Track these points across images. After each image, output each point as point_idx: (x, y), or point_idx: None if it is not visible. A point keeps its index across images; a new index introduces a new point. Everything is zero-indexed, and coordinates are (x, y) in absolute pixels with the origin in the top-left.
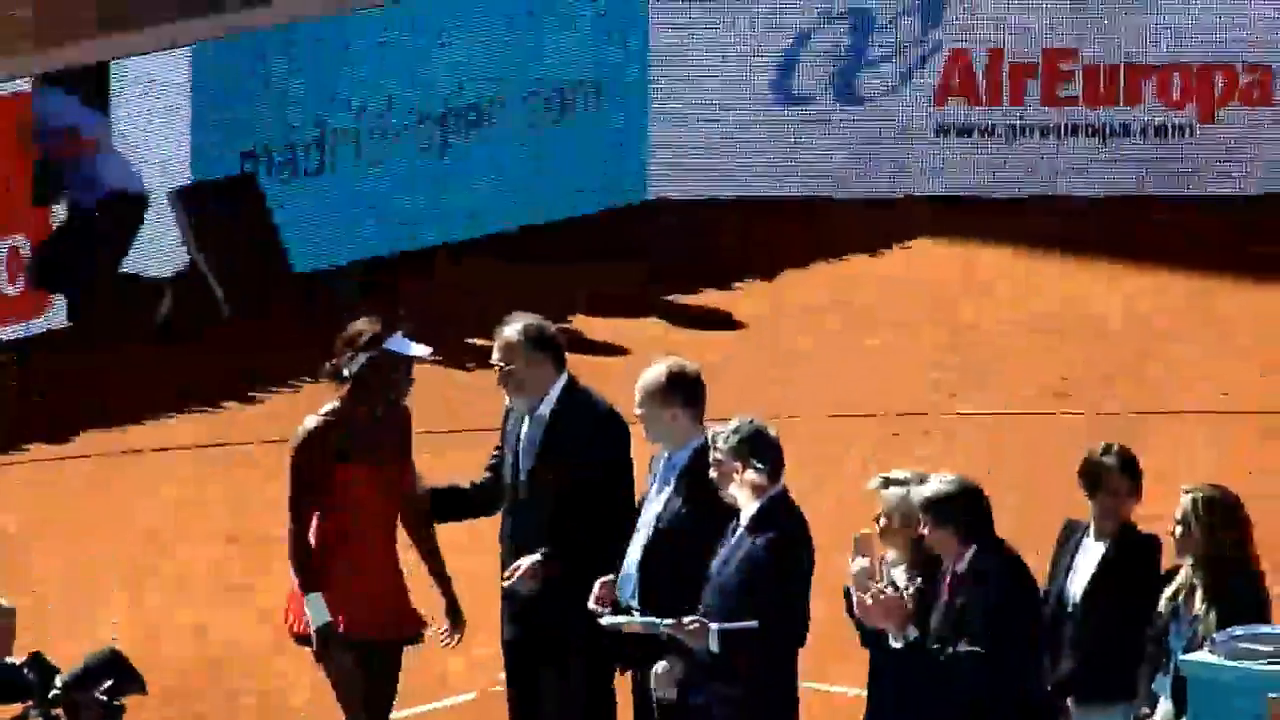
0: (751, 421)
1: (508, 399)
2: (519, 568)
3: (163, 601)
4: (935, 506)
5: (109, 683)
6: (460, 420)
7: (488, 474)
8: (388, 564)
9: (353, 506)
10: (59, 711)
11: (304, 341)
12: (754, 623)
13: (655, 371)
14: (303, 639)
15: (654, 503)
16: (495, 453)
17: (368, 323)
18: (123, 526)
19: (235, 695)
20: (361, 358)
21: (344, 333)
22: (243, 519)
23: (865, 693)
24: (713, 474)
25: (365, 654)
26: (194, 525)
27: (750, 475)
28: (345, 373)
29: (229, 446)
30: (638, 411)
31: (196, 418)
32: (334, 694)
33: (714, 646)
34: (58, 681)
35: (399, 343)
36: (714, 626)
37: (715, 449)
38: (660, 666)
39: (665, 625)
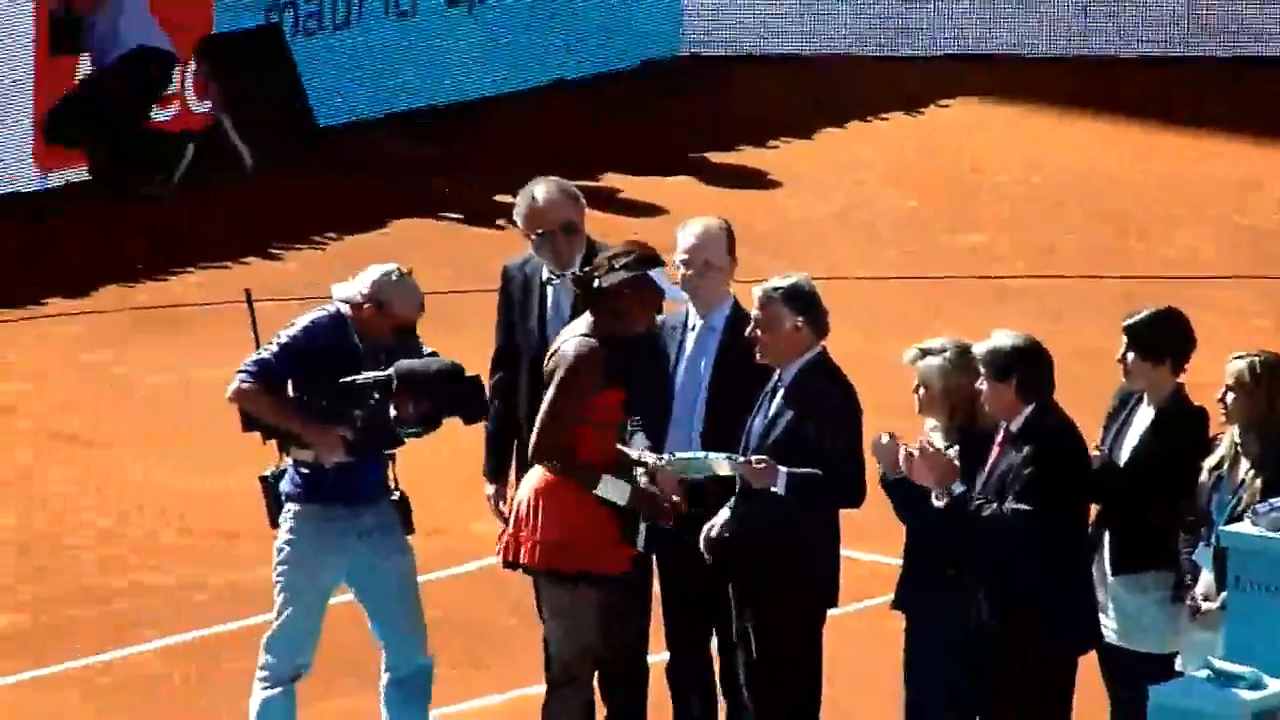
0: (795, 278)
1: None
2: None
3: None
4: (996, 361)
5: (444, 394)
6: (488, 278)
7: None
8: None
9: (607, 430)
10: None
11: (329, 196)
12: (819, 471)
13: (713, 223)
14: (523, 568)
15: (692, 370)
16: None
17: (635, 244)
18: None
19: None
20: (620, 274)
21: (605, 253)
22: None
23: (900, 561)
24: (753, 331)
25: (606, 589)
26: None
27: (806, 331)
28: (596, 285)
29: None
30: (690, 265)
31: (216, 274)
32: (552, 632)
33: (780, 488)
34: (383, 372)
35: (658, 274)
36: (782, 469)
37: (768, 302)
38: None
39: (738, 461)
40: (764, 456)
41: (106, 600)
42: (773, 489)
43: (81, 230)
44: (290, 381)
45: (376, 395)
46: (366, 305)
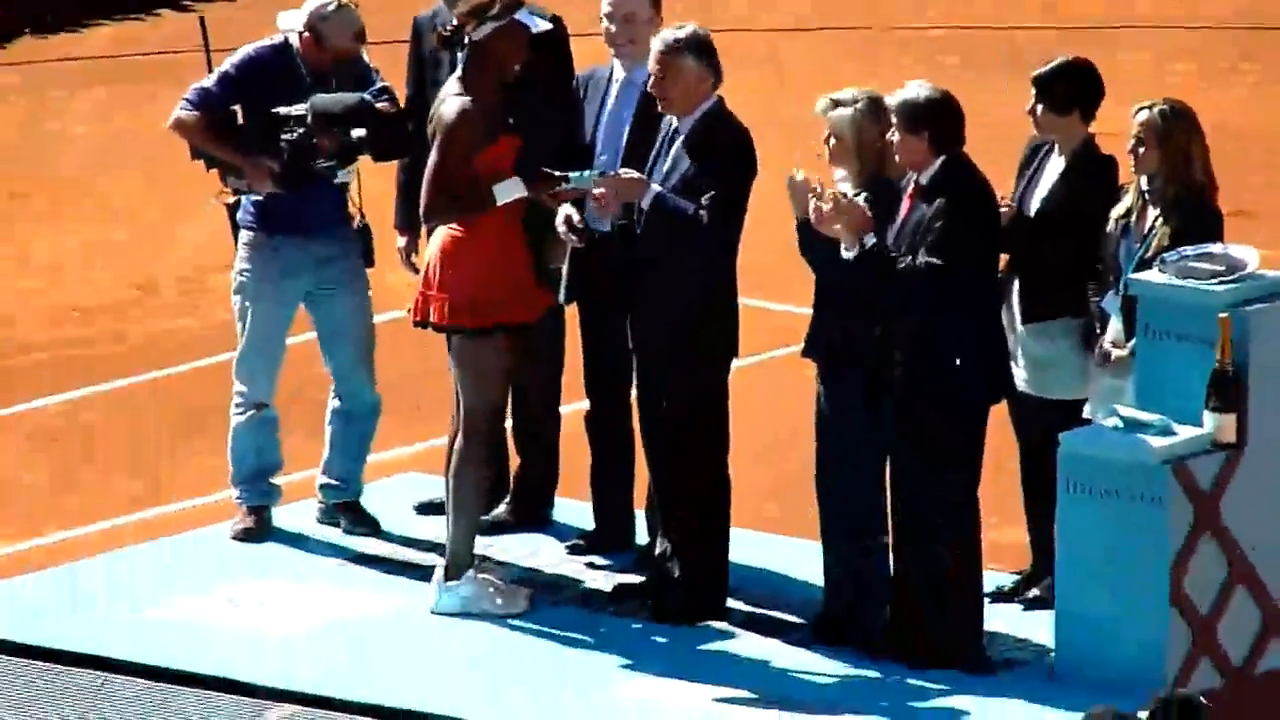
0: (690, 27)
1: None
2: None
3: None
4: (909, 113)
5: (358, 132)
6: (400, 29)
7: None
8: (522, 242)
9: (501, 179)
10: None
11: None
12: (690, 207)
13: None
14: (433, 326)
15: (614, 123)
16: None
17: None
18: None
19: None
20: (489, 26)
21: (465, 4)
22: None
23: (811, 311)
24: (655, 82)
25: (513, 339)
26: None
27: (692, 80)
28: (469, 39)
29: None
30: (613, 19)
31: (129, 26)
32: (463, 386)
33: (644, 203)
34: (302, 107)
35: (525, 15)
36: (654, 185)
37: (667, 51)
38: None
39: (611, 174)
40: (633, 170)
41: (46, 348)
42: (640, 203)
43: None
44: (240, 111)
45: (299, 129)
46: (304, 35)
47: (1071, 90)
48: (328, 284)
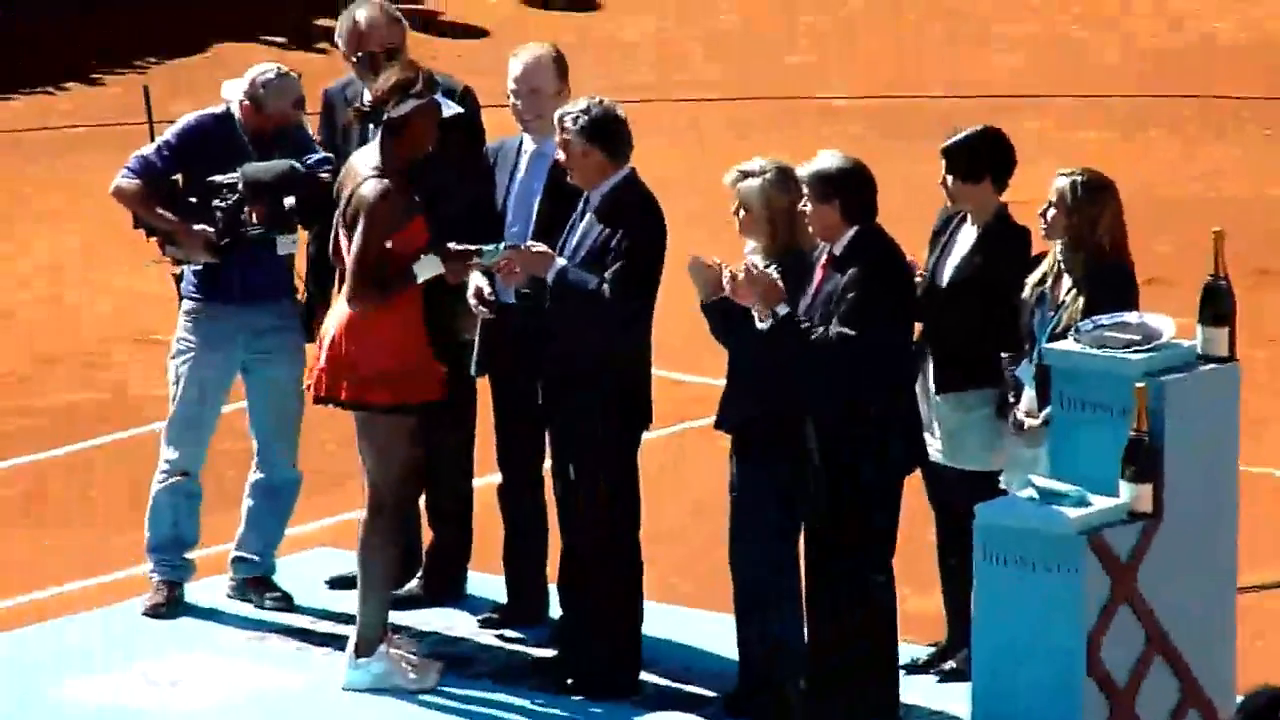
0: (600, 101)
1: None
2: None
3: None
4: (820, 183)
5: (289, 200)
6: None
7: None
8: (423, 318)
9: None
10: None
11: (150, 20)
12: (593, 281)
13: (543, 51)
14: (339, 403)
15: (524, 195)
16: None
17: (408, 70)
18: None
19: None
20: (411, 103)
21: (386, 80)
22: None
23: (723, 383)
24: (559, 155)
25: (421, 415)
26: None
27: (598, 157)
28: (389, 115)
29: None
30: (521, 92)
31: (39, 99)
32: (370, 462)
33: (550, 277)
34: (235, 175)
35: (439, 95)
36: (560, 260)
37: (563, 129)
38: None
39: (518, 247)
40: (541, 244)
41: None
42: (546, 276)
43: None
44: (181, 179)
45: (231, 196)
46: (244, 103)
47: (982, 159)
48: (263, 353)
